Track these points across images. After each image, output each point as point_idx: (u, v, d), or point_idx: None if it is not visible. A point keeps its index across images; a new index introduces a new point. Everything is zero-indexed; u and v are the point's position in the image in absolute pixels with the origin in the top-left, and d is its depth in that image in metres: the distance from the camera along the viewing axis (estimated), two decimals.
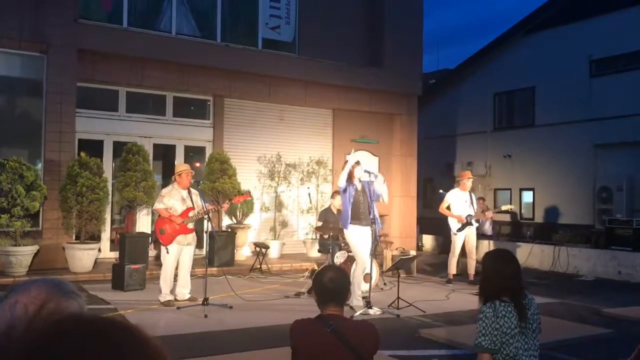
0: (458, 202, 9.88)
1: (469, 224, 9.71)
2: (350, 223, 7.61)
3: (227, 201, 8.17)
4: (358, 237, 7.67)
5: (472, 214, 9.78)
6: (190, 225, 7.63)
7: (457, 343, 5.88)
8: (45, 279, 1.33)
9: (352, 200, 7.60)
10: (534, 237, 14.38)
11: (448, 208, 9.96)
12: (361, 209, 7.64)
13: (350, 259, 8.85)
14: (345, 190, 7.69)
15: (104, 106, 11.17)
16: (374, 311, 7.24)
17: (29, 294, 1.26)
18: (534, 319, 3.14)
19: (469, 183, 9.96)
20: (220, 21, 12.30)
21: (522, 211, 17.35)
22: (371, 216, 7.61)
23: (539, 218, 16.56)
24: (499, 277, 3.14)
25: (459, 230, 9.76)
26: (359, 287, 7.74)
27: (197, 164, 12.23)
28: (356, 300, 7.48)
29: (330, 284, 2.86)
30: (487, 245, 13.29)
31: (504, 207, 10.64)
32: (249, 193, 8.41)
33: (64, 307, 1.26)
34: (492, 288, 3.14)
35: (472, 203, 9.87)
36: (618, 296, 9.30)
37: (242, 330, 6.31)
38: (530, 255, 12.47)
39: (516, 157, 17.37)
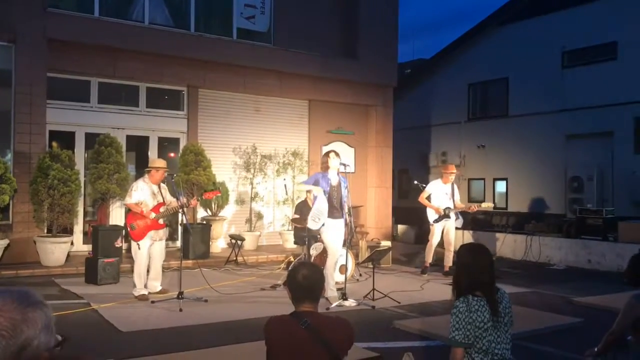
0: (438, 194, 9.92)
1: (446, 216, 9.78)
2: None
3: (196, 197, 8.10)
4: (329, 229, 7.74)
5: (452, 206, 9.85)
6: (162, 221, 7.55)
7: (431, 334, 5.94)
8: (11, 290, 1.31)
9: (326, 195, 7.65)
10: (506, 227, 14.58)
11: (428, 198, 10.02)
12: (334, 203, 7.73)
13: (327, 251, 8.88)
14: (317, 184, 7.73)
15: (76, 97, 10.97)
16: (350, 303, 7.28)
17: None
18: (506, 313, 3.18)
19: (451, 177, 9.99)
20: (194, 11, 12.14)
21: (495, 201, 17.57)
22: (346, 210, 7.73)
23: (512, 208, 16.78)
24: (471, 272, 3.18)
25: (436, 221, 9.83)
26: (332, 278, 7.81)
27: (172, 154, 12.14)
28: (330, 291, 7.52)
29: (304, 281, 2.87)
30: (461, 235, 13.44)
31: (484, 205, 10.67)
32: (218, 189, 8.37)
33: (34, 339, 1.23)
34: (465, 282, 3.18)
35: (452, 195, 9.92)
36: (588, 284, 9.49)
37: (217, 324, 6.29)
38: (503, 244, 12.65)
39: (490, 148, 17.55)
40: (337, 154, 7.90)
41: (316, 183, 7.74)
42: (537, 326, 6.39)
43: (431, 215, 9.93)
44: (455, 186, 10.18)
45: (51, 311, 1.30)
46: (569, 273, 10.93)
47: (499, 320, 3.11)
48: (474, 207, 10.17)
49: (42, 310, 1.27)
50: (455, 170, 10.15)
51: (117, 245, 9.66)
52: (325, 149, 13.55)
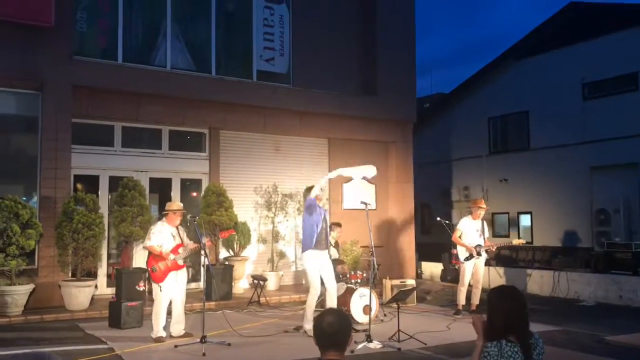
0: (469, 231, 9.71)
1: (478, 254, 9.62)
2: (313, 248, 7.85)
3: (209, 239, 8.16)
4: (315, 262, 7.87)
5: (482, 244, 9.68)
6: (181, 262, 7.60)
7: None
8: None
9: (319, 226, 7.86)
10: (533, 262, 14.31)
11: (461, 237, 9.81)
12: (324, 236, 7.98)
13: (349, 290, 8.80)
14: (311, 210, 7.85)
15: (100, 141, 11.17)
16: (374, 345, 7.15)
17: None
18: (539, 359, 3.08)
19: (481, 212, 9.80)
20: (214, 54, 12.39)
21: (520, 235, 17.30)
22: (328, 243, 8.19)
23: (537, 242, 16.51)
24: (504, 315, 3.08)
25: (466, 259, 9.63)
26: (312, 312, 7.76)
27: (194, 193, 12.25)
28: (308, 324, 7.62)
29: (330, 329, 2.79)
30: (487, 271, 13.21)
31: (515, 242, 10.43)
32: (233, 228, 8.49)
33: None
34: (498, 326, 3.08)
35: (483, 232, 9.76)
36: (620, 322, 9.21)
37: None
38: (529, 280, 12.39)
39: (512, 181, 17.39)
40: (322, 190, 8.22)
41: (313, 208, 7.85)
42: None
43: (462, 254, 9.72)
44: (485, 223, 10.00)
45: None
46: (599, 310, 10.63)
47: None
48: (492, 247, 9.92)
49: None
50: (484, 205, 9.94)
51: (139, 289, 9.66)
52: (345, 187, 13.59)
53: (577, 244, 15.29)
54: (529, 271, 12.70)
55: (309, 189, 8.17)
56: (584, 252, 14.21)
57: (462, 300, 9.74)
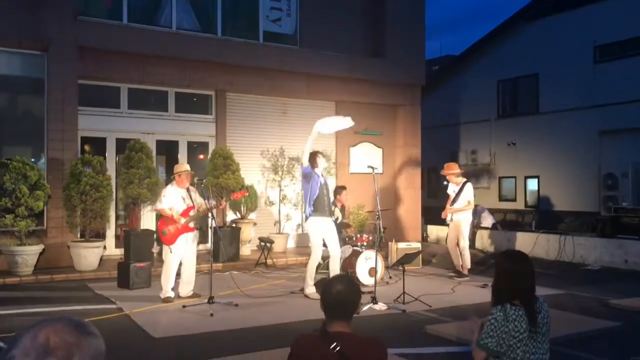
0: (450, 195, 10.09)
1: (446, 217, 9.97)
2: (313, 215, 7.94)
3: (224, 199, 8.23)
4: (319, 229, 7.96)
5: (453, 207, 9.90)
6: (192, 224, 7.64)
7: (465, 340, 5.85)
8: (71, 318, 1.35)
9: (317, 193, 7.90)
10: (539, 225, 14.32)
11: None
12: (325, 202, 8.02)
13: (355, 253, 8.88)
14: (308, 178, 7.90)
15: (106, 103, 11.14)
16: (380, 307, 7.23)
17: (55, 327, 1.28)
18: (544, 323, 3.10)
19: (451, 177, 9.99)
20: (220, 15, 12.21)
21: (527, 199, 17.30)
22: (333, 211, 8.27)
23: (544, 206, 16.50)
24: (512, 279, 3.09)
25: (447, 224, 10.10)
26: (311, 278, 8.01)
27: (201, 156, 12.25)
28: (308, 289, 7.87)
29: (338, 296, 2.74)
30: (493, 235, 13.26)
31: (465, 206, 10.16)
32: (246, 189, 8.53)
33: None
34: (504, 290, 3.09)
35: (458, 196, 9.86)
36: (625, 286, 9.26)
37: (248, 329, 6.31)
38: (535, 244, 12.42)
39: (520, 145, 17.30)
40: (323, 156, 8.27)
41: (309, 175, 7.88)
42: (572, 330, 6.25)
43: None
44: (468, 186, 9.88)
45: (104, 345, 1.32)
46: (604, 274, 10.68)
47: (537, 330, 3.03)
48: (452, 212, 9.86)
49: (96, 340, 1.31)
50: (454, 170, 9.94)
51: (153, 251, 9.86)
52: (353, 150, 13.56)
53: (584, 208, 15.27)
54: (534, 235, 12.73)
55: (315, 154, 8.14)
56: (590, 216, 14.20)
57: (455, 261, 9.94)
